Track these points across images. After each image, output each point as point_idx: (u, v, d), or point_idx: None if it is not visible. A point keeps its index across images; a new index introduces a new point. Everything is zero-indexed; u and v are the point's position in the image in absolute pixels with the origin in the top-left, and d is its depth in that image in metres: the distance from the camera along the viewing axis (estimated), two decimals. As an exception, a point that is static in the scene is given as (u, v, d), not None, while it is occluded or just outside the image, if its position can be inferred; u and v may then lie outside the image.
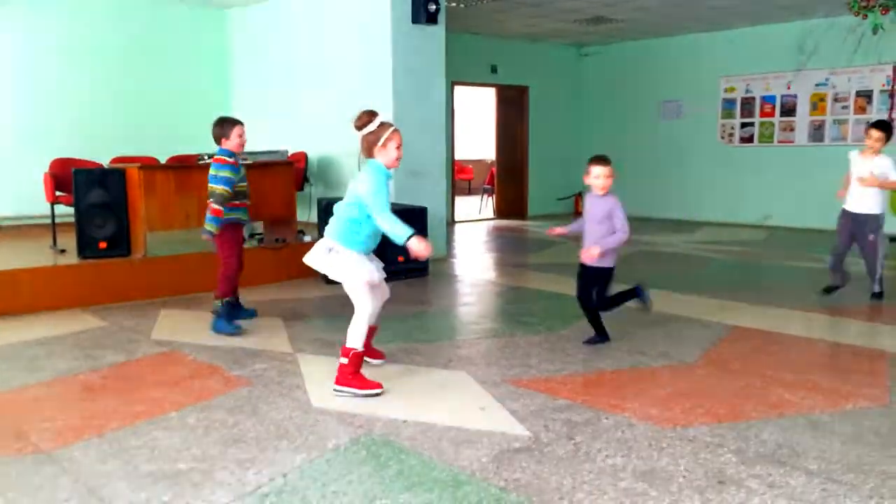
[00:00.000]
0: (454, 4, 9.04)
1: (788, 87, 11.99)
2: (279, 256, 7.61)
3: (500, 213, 14.43)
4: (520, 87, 14.05)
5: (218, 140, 5.56)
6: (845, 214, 6.57)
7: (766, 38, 12.06)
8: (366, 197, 4.12)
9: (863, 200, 6.42)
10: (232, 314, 5.71)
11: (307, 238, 7.98)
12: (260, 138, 10.41)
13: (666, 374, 4.63)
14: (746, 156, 12.63)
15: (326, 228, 4.32)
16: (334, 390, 4.21)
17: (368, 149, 4.20)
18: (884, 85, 11.00)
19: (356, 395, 4.15)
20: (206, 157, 7.06)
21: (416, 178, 8.59)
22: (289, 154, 8.48)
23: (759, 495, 2.97)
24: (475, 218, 14.30)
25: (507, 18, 11.64)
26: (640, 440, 3.54)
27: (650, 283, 5.45)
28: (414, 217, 7.83)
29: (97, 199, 6.78)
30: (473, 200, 16.37)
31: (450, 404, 4.07)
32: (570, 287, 7.31)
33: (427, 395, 4.22)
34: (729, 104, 12.78)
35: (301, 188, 9.35)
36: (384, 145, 4.17)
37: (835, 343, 5.34)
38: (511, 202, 14.42)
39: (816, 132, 11.78)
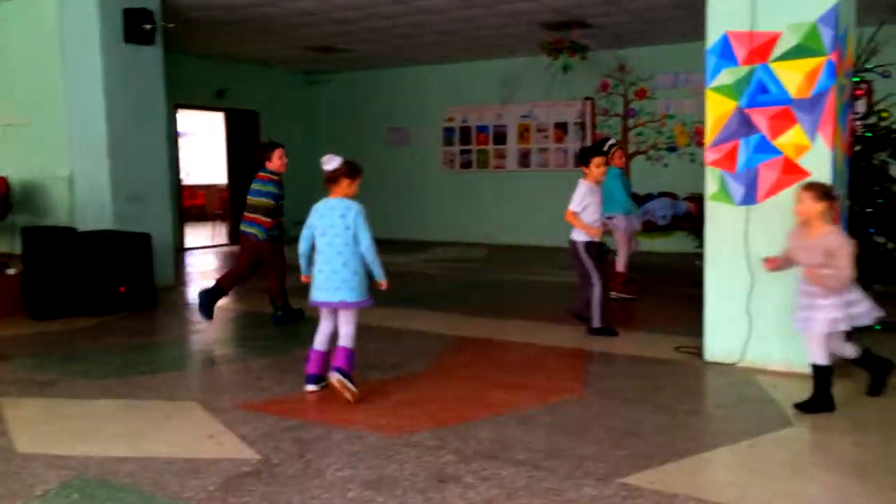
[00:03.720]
0: (172, 25, 8.72)
1: (499, 118, 13.14)
2: (-25, 293, 6.76)
3: (235, 239, 14.05)
4: (250, 111, 13.85)
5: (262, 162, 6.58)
6: (592, 244, 6.06)
7: (479, 73, 13.12)
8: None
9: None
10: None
11: (11, 270, 7.18)
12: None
13: (396, 385, 4.85)
14: (467, 180, 13.60)
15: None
16: None
17: None
18: (576, 118, 12.48)
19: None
20: None
21: (137, 204, 8.13)
22: (-15, 179, 7.59)
23: (474, 489, 3.23)
24: (207, 245, 13.80)
25: (233, 42, 11.45)
26: (369, 451, 3.67)
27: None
28: (136, 244, 7.42)
29: None
30: (207, 227, 15.78)
31: (175, 436, 3.92)
32: (306, 309, 7.37)
33: (150, 429, 4.02)
34: (449, 132, 13.68)
35: (2, 217, 8.39)
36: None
37: (544, 346, 5.92)
38: (245, 228, 14.10)
39: (524, 159, 13.03)
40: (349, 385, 4.40)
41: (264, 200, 6.48)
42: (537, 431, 3.93)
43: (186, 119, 16.78)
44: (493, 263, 11.03)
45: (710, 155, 5.23)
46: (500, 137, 13.16)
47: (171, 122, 11.87)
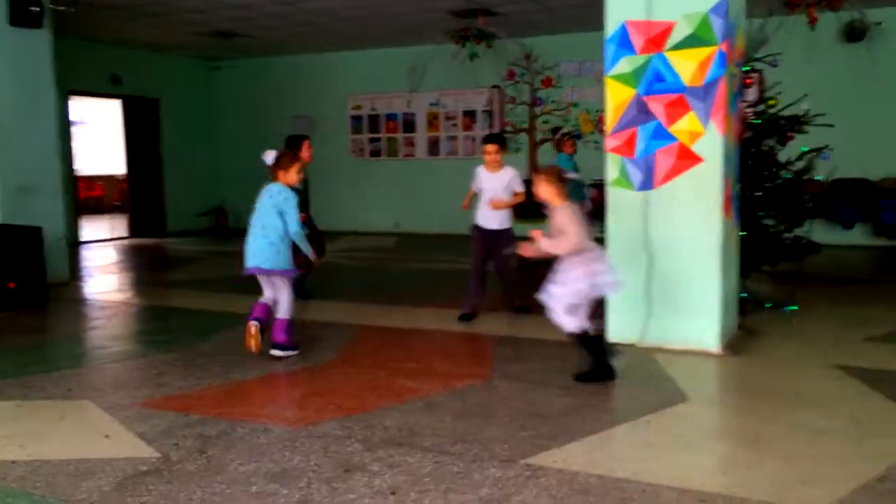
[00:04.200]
0: (62, 8, 8.29)
1: (408, 106, 13.11)
2: None
3: (135, 231, 13.55)
4: (149, 98, 13.36)
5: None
6: (479, 230, 6.27)
7: (386, 60, 13.03)
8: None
9: (495, 217, 6.18)
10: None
11: None
12: None
13: (302, 376, 4.79)
14: (376, 168, 13.53)
15: None
16: None
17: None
18: (484, 106, 12.57)
19: None
20: None
21: (27, 196, 7.72)
22: None
23: (380, 476, 3.22)
24: (106, 237, 13.26)
25: (127, 27, 10.99)
26: (273, 444, 3.61)
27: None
28: (25, 238, 7.06)
29: None
30: (106, 219, 15.17)
31: (69, 436, 3.76)
32: (209, 301, 7.22)
33: (42, 431, 3.83)
34: (357, 121, 13.56)
35: None
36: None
37: (452, 332, 5.95)
38: (147, 219, 13.62)
39: (433, 147, 13.06)
40: (288, 353, 5.17)
41: None
42: (444, 417, 3.95)
43: (82, 107, 16.06)
44: (402, 252, 11.03)
45: (610, 142, 5.35)
46: (410, 125, 13.14)
47: (64, 109, 11.34)
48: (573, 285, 4.35)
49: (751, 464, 3.30)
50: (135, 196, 13.65)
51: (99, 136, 18.32)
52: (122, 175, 14.23)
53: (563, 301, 4.39)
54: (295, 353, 5.19)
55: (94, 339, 6.03)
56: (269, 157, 5.29)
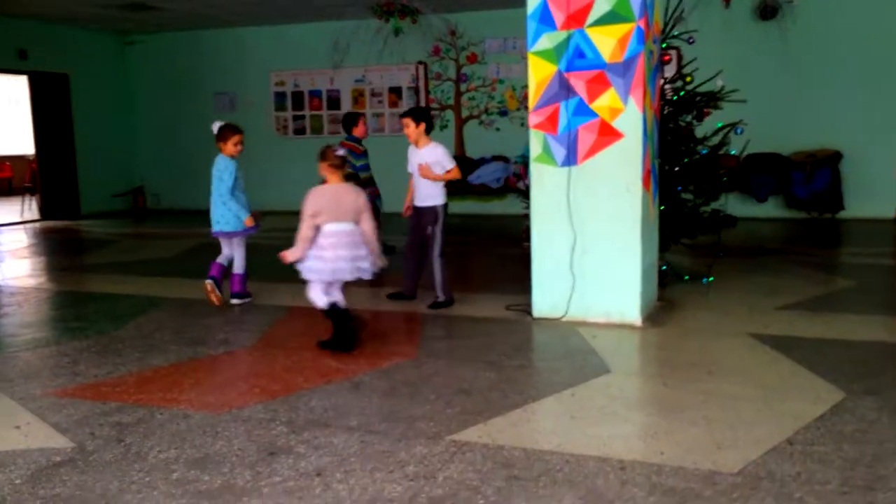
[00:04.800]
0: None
1: (332, 83, 12.88)
2: None
3: (47, 213, 12.98)
4: (58, 74, 12.75)
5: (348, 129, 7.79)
6: (414, 209, 6.01)
7: (308, 36, 12.75)
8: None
9: (419, 192, 5.91)
10: None
11: None
12: None
13: (225, 360, 4.69)
14: (301, 146, 13.25)
15: None
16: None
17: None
18: (409, 82, 12.47)
19: None
20: None
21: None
22: None
23: (305, 458, 3.19)
24: (17, 220, 12.67)
25: (33, -3, 10.45)
26: (194, 430, 3.52)
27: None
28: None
29: None
30: (16, 201, 14.49)
31: (-25, 430, 3.58)
32: (125, 286, 6.99)
33: (-55, 425, 3.64)
34: (280, 97, 13.26)
35: None
36: None
37: (379, 311, 5.91)
38: (59, 201, 13.05)
39: (359, 124, 12.88)
40: (244, 301, 6.16)
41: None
42: (371, 396, 3.93)
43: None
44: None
45: (533, 118, 5.38)
46: (334, 102, 12.93)
47: (-35, 86, 10.73)
48: (315, 263, 4.64)
49: (669, 431, 3.40)
50: (46, 177, 13.05)
51: (5, 115, 17.47)
52: (32, 155, 13.57)
53: (310, 277, 4.71)
54: (249, 299, 6.19)
55: (4, 326, 5.76)
56: (214, 128, 5.95)
